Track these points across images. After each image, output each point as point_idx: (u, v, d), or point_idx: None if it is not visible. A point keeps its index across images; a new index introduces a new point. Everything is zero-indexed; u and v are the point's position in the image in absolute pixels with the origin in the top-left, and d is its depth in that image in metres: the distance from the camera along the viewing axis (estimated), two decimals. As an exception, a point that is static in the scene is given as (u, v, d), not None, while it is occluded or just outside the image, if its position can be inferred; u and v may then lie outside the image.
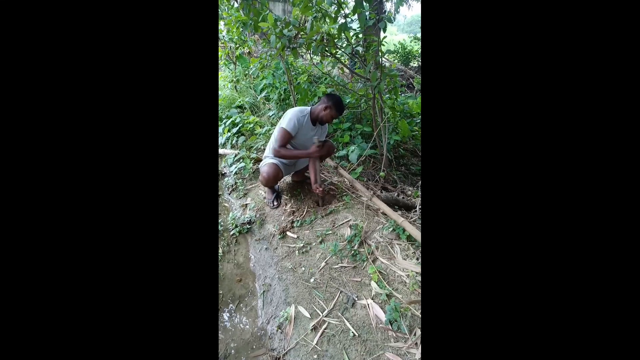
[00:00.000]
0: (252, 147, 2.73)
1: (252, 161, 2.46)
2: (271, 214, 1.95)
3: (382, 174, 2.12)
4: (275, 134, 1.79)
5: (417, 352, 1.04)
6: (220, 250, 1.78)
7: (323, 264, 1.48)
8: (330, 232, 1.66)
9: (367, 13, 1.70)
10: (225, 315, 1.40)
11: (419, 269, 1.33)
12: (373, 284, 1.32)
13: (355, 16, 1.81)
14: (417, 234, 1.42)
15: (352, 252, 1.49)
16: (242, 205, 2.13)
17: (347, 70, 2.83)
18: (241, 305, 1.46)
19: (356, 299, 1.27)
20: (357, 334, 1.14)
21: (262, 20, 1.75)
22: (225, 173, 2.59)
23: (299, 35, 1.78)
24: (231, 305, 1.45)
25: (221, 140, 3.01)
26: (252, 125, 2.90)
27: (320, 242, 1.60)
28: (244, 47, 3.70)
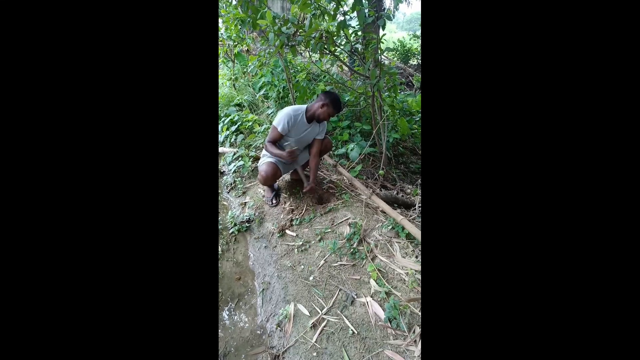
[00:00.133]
0: (250, 145, 2.73)
1: (251, 159, 2.45)
2: (270, 212, 1.94)
3: (381, 172, 2.12)
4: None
5: (416, 350, 1.05)
6: (219, 249, 1.78)
7: (322, 262, 1.48)
8: (330, 230, 1.66)
9: (366, 10, 1.69)
10: (225, 314, 1.40)
11: (418, 266, 1.34)
12: (372, 282, 1.32)
13: (354, 14, 1.81)
14: (416, 232, 1.42)
15: (351, 250, 1.49)
16: (241, 204, 2.13)
17: (346, 68, 2.82)
18: (240, 303, 1.46)
19: (355, 296, 1.28)
20: (356, 332, 1.14)
21: (261, 17, 1.74)
22: (224, 171, 2.58)
23: (298, 33, 1.77)
24: (230, 303, 1.45)
25: (220, 138, 3.00)
26: (250, 123, 2.90)
27: (320, 240, 1.61)
28: (242, 45, 3.68)
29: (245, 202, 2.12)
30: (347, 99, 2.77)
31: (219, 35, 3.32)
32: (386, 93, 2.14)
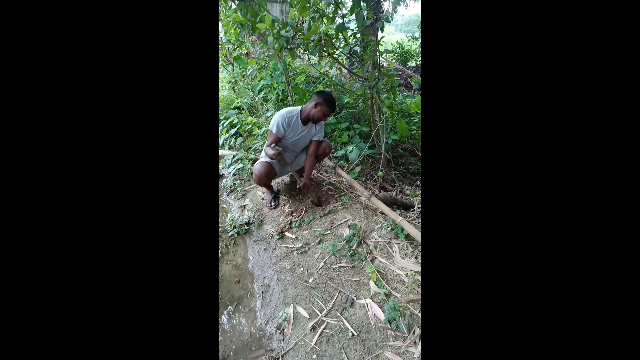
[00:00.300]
0: (250, 147, 2.73)
1: (250, 162, 2.46)
2: (269, 215, 1.94)
3: (380, 173, 2.13)
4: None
5: (416, 351, 1.05)
6: (218, 252, 1.77)
7: (322, 264, 1.48)
8: (329, 232, 1.66)
9: (364, 13, 1.70)
10: (224, 317, 1.40)
11: (417, 268, 1.34)
12: (372, 284, 1.32)
13: (353, 16, 1.82)
14: (415, 233, 1.42)
15: (351, 251, 1.49)
16: (241, 207, 2.13)
17: (345, 71, 2.83)
18: (240, 306, 1.46)
19: (355, 298, 1.27)
20: (356, 334, 1.14)
21: (260, 21, 1.75)
22: (224, 174, 2.58)
23: (297, 36, 1.78)
24: (230, 306, 1.45)
25: (219, 141, 3.00)
26: (250, 126, 2.90)
27: (319, 242, 1.61)
28: (241, 48, 3.69)
29: (245, 205, 2.12)
30: (346, 101, 2.78)
31: (219, 38, 3.33)
32: (385, 95, 2.15)
